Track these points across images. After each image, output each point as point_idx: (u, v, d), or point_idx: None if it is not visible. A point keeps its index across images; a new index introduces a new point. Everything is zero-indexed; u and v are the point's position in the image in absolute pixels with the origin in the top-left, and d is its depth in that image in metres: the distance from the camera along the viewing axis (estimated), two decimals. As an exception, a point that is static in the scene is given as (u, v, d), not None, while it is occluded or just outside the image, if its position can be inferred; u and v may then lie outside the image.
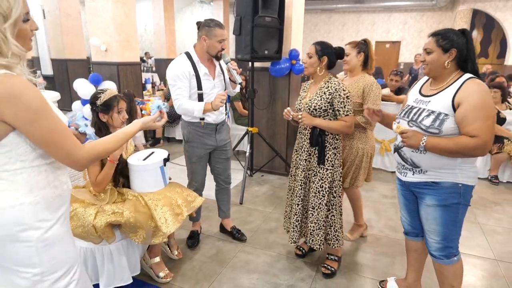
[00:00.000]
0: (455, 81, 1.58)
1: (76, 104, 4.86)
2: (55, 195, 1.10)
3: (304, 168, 2.21)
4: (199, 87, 2.25)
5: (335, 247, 2.26)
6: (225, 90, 2.41)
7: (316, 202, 2.18)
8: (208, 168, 2.57)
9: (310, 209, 2.21)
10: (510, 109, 3.99)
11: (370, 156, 2.51)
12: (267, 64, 3.84)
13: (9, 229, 1.02)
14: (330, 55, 2.11)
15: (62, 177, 1.15)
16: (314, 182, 2.19)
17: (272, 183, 3.96)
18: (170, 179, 2.22)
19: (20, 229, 1.03)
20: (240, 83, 2.25)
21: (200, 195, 2.52)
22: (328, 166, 2.15)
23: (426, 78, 1.77)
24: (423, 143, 1.56)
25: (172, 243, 2.37)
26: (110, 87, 4.72)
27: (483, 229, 2.94)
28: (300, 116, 2.10)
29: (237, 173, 4.18)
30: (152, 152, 2.17)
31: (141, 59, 11.76)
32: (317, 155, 2.16)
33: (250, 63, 3.67)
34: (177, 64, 2.24)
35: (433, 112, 1.58)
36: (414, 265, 2.01)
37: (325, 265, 2.32)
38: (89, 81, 4.73)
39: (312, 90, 2.19)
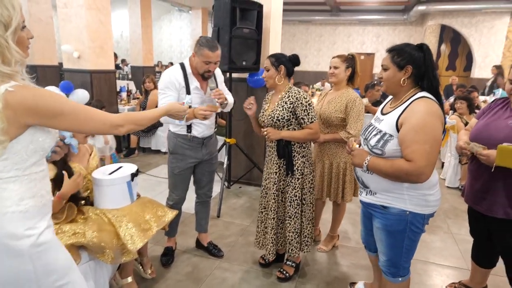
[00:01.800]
0: (407, 99, 1.51)
1: (45, 113, 4.64)
2: (41, 204, 1.12)
3: (275, 181, 2.20)
4: None
5: (305, 252, 2.30)
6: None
7: (292, 212, 2.20)
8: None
9: (287, 218, 2.22)
10: (478, 121, 4.14)
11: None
12: (245, 75, 3.82)
13: (1, 239, 1.03)
14: (285, 63, 2.14)
15: (47, 186, 1.18)
16: (287, 192, 2.20)
17: (249, 194, 3.91)
18: (138, 195, 2.14)
19: (11, 238, 1.04)
20: (219, 112, 2.22)
21: (179, 209, 2.44)
22: (298, 175, 2.17)
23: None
24: (365, 163, 1.53)
25: (145, 262, 2.27)
26: (83, 95, 4.57)
27: (456, 238, 3.02)
28: (265, 132, 2.11)
29: (214, 185, 4.08)
30: (120, 167, 2.09)
31: (117, 66, 11.50)
32: (285, 166, 2.16)
33: (228, 74, 3.64)
34: (169, 73, 2.19)
35: (380, 131, 1.53)
36: (378, 272, 2.04)
37: (281, 269, 2.36)
38: (60, 89, 4.55)
39: (274, 101, 2.20)
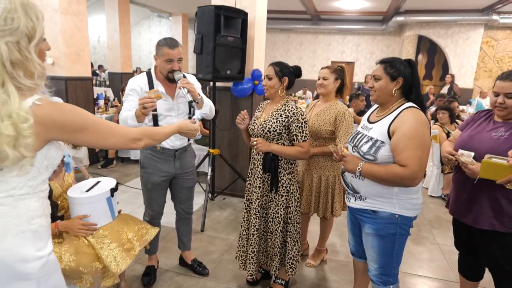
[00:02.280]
0: (396, 109, 1.60)
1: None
2: (47, 224, 1.08)
3: (258, 196, 2.09)
4: None
5: (289, 275, 2.18)
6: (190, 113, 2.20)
7: (273, 228, 2.11)
8: (169, 193, 2.36)
9: (269, 234, 2.14)
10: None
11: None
12: (229, 84, 3.73)
13: (9, 261, 0.96)
14: (290, 75, 2.06)
15: (49, 207, 1.12)
16: (270, 208, 2.11)
17: (234, 206, 3.80)
18: (119, 211, 2.00)
19: (21, 261, 0.97)
20: (190, 102, 2.02)
21: (158, 224, 2.31)
22: (283, 192, 2.07)
23: (376, 105, 1.81)
24: (359, 169, 1.58)
25: (123, 286, 2.11)
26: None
27: (443, 249, 3.01)
28: (255, 143, 2.00)
29: (197, 196, 3.92)
30: (98, 182, 1.94)
31: (94, 72, 11.16)
32: (270, 181, 2.07)
33: (211, 83, 3.54)
34: (133, 80, 2.11)
35: (371, 138, 1.60)
36: (358, 282, 2.04)
37: None
38: (32, 97, 4.30)
39: (268, 111, 2.11)
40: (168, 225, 2.95)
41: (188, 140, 2.26)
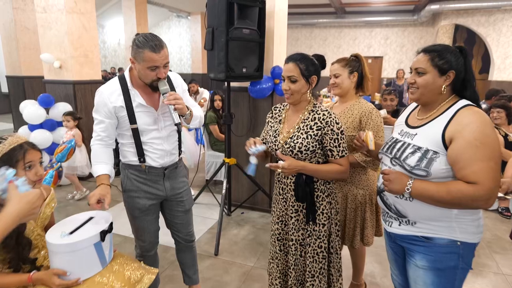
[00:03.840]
0: (447, 109, 1.28)
1: (22, 130, 4.15)
2: None
3: (295, 228, 1.63)
4: (133, 121, 1.65)
5: None
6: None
7: (315, 268, 1.63)
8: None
9: (309, 278, 1.64)
10: (519, 131, 3.57)
11: (375, 203, 1.96)
12: (246, 84, 3.29)
13: None
14: (318, 73, 1.58)
15: None
16: (310, 245, 1.62)
17: (253, 222, 3.35)
18: (115, 250, 1.59)
19: None
20: (177, 124, 1.61)
21: (153, 257, 1.93)
22: (324, 221, 1.60)
23: (415, 104, 1.46)
24: (408, 189, 1.24)
25: None
26: (64, 110, 4.06)
27: (510, 282, 2.43)
28: (280, 169, 1.50)
29: (212, 210, 3.57)
30: (91, 218, 1.52)
31: (114, 73, 11.11)
32: (305, 210, 1.60)
33: (225, 83, 3.10)
34: (101, 90, 1.65)
35: (419, 148, 1.28)
36: None
37: None
38: (38, 103, 4.06)
39: (292, 122, 1.62)
40: (171, 245, 2.54)
41: (179, 153, 1.84)
